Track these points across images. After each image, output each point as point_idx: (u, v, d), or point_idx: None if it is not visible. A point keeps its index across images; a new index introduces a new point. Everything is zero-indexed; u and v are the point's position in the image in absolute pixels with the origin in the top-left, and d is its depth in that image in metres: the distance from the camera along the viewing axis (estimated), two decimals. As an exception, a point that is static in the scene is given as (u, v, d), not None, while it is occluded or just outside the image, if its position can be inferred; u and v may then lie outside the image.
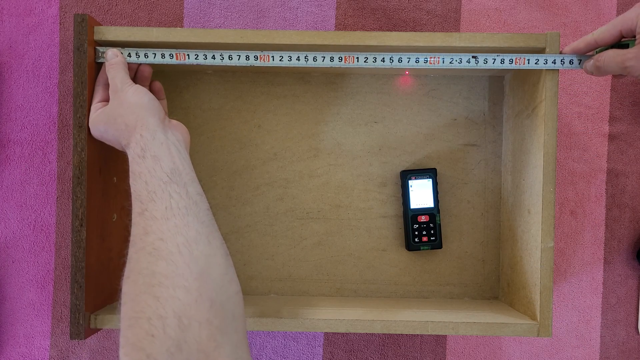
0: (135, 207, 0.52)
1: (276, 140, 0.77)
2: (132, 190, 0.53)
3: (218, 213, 0.77)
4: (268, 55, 0.64)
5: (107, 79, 0.63)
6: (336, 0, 0.78)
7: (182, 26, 0.78)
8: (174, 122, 0.61)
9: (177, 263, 0.46)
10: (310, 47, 0.64)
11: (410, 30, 0.78)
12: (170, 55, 0.64)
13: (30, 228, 0.78)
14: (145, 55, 0.64)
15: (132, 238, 0.50)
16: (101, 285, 0.67)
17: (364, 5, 0.78)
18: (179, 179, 0.53)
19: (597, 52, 0.61)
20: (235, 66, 0.74)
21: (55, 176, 0.78)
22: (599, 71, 0.60)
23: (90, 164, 0.63)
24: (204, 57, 0.64)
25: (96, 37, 0.63)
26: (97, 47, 0.64)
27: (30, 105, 0.78)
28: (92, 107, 0.63)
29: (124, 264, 0.68)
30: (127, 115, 0.58)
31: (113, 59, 0.63)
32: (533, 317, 0.65)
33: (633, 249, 0.78)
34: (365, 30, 0.78)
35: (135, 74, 0.66)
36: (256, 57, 0.64)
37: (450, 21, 0.78)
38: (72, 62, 0.77)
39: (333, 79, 0.77)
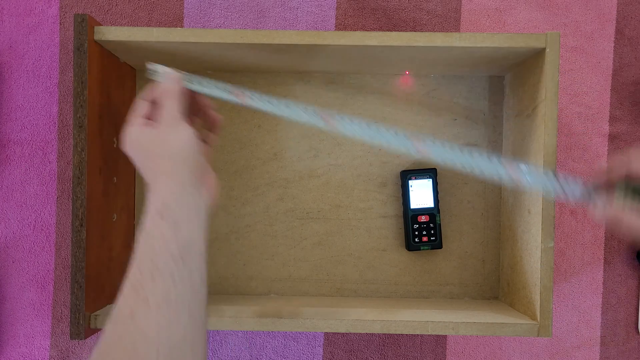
0: (132, 274, 0.46)
1: (276, 140, 0.77)
2: (136, 245, 0.48)
3: (218, 213, 0.77)
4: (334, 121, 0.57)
5: (157, 98, 0.55)
6: (336, 0, 0.78)
7: (182, 26, 0.78)
8: (210, 178, 0.54)
9: None
10: (310, 47, 0.64)
11: (410, 30, 0.78)
12: (228, 91, 0.58)
13: (30, 228, 0.78)
14: (200, 84, 0.58)
15: (117, 305, 0.45)
16: (101, 285, 0.67)
17: (364, 5, 0.78)
18: (189, 257, 0.49)
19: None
20: (235, 66, 0.74)
21: (55, 176, 0.78)
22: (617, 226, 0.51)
23: (90, 164, 0.63)
24: (264, 102, 0.59)
25: (96, 37, 0.63)
26: (150, 64, 0.57)
27: (30, 105, 0.78)
28: (133, 119, 0.54)
29: (124, 264, 0.68)
30: (163, 157, 0.51)
31: (172, 85, 0.55)
32: (533, 317, 0.65)
33: (633, 249, 0.78)
34: (365, 30, 0.78)
35: (191, 99, 0.59)
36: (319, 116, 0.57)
37: (450, 21, 0.78)
38: (72, 62, 0.77)
39: (333, 78, 0.77)
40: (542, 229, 0.63)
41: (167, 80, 0.56)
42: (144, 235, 0.48)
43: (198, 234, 0.50)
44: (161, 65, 0.57)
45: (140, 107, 0.55)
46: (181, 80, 0.56)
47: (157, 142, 0.52)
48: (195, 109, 0.60)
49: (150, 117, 0.55)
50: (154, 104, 0.56)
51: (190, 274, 0.48)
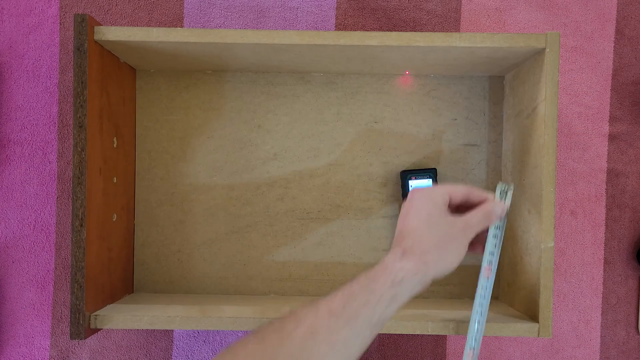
0: (335, 302, 0.50)
1: (276, 140, 0.77)
2: (358, 278, 0.51)
3: (218, 213, 0.77)
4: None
5: (474, 201, 0.58)
6: (336, 0, 0.78)
7: (182, 26, 0.78)
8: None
9: None
10: (310, 47, 0.64)
11: (410, 30, 0.78)
12: None
13: (30, 228, 0.78)
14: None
15: (295, 317, 0.49)
16: (101, 285, 0.67)
17: (364, 5, 0.78)
18: (376, 330, 0.51)
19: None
20: (235, 66, 0.74)
21: (55, 176, 0.78)
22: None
23: (90, 164, 0.63)
24: None
25: (96, 37, 0.63)
26: (504, 184, 0.60)
27: (30, 105, 0.78)
28: (444, 189, 0.56)
29: (124, 264, 0.68)
30: (432, 252, 0.53)
31: (499, 214, 0.58)
32: (533, 317, 0.65)
33: (633, 249, 0.78)
34: (365, 30, 0.78)
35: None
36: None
37: (450, 21, 0.78)
38: (72, 62, 0.77)
39: (333, 78, 0.77)
40: (542, 229, 0.63)
41: (499, 210, 0.58)
42: (368, 281, 0.51)
43: (390, 315, 0.52)
44: (511, 194, 0.60)
45: (459, 193, 0.57)
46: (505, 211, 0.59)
47: (443, 233, 0.54)
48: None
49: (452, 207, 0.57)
50: (466, 200, 0.58)
51: (363, 344, 0.50)
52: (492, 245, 0.59)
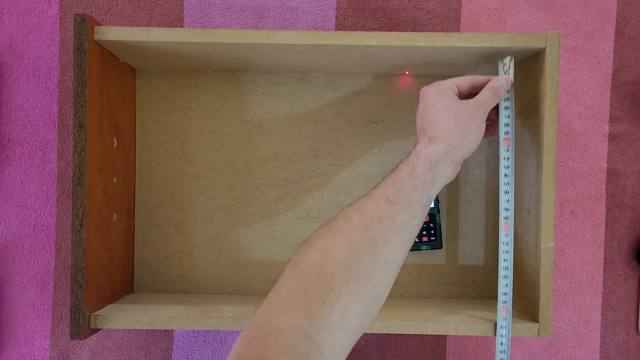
0: (389, 192, 0.53)
1: (276, 140, 0.77)
2: (398, 171, 0.55)
3: (218, 213, 0.77)
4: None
5: (481, 85, 0.62)
6: (336, 0, 0.78)
7: (182, 26, 0.78)
8: (456, 171, 0.62)
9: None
10: (310, 47, 0.64)
11: (410, 30, 0.78)
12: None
13: (30, 228, 0.78)
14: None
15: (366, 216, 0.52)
16: (101, 285, 0.67)
17: (364, 5, 0.78)
18: (425, 210, 0.55)
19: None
20: (235, 66, 0.74)
21: (55, 176, 0.78)
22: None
23: (90, 164, 0.63)
24: None
25: (96, 37, 0.63)
26: (504, 59, 0.64)
27: (30, 105, 0.78)
28: (451, 82, 0.61)
29: (124, 264, 0.68)
30: (454, 132, 0.57)
31: (505, 87, 0.62)
32: (533, 317, 0.65)
33: (633, 249, 0.78)
34: (365, 30, 0.78)
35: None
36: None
37: (450, 21, 0.78)
38: (72, 62, 0.77)
39: (333, 78, 0.77)
40: (542, 229, 0.63)
41: (504, 82, 0.62)
42: (410, 169, 0.55)
43: (434, 194, 0.57)
44: (512, 64, 0.64)
45: (464, 81, 0.62)
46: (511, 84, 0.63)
47: (460, 115, 0.58)
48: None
49: (464, 93, 0.62)
50: (477, 85, 0.62)
51: (419, 224, 0.55)
52: (505, 117, 0.63)
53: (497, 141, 0.77)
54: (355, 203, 0.54)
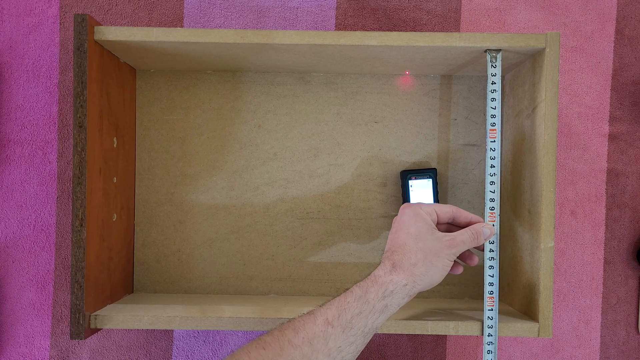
0: (332, 312, 0.53)
1: (276, 140, 0.77)
2: (354, 288, 0.55)
3: (218, 213, 0.77)
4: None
5: (461, 221, 0.61)
6: (336, 0, 0.78)
7: (182, 26, 0.78)
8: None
9: None
10: (310, 47, 0.64)
11: (410, 30, 0.78)
12: None
13: (30, 228, 0.78)
14: None
15: (293, 325, 0.52)
16: (101, 285, 0.67)
17: (364, 5, 0.78)
18: (367, 338, 0.55)
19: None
20: (235, 66, 0.74)
21: (55, 176, 0.78)
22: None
23: (90, 164, 0.63)
24: None
25: (96, 37, 0.63)
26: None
27: (30, 105, 0.78)
28: (432, 208, 0.59)
29: (124, 264, 0.68)
30: (419, 266, 0.56)
31: (487, 235, 0.61)
32: (533, 317, 0.65)
33: (633, 249, 0.78)
34: (365, 30, 0.78)
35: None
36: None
37: (450, 21, 0.78)
38: (72, 62, 0.77)
39: (333, 78, 0.77)
40: (542, 229, 0.63)
41: (488, 231, 0.61)
42: (362, 293, 0.54)
43: (381, 324, 0.55)
44: (499, 57, 0.63)
45: (446, 211, 0.60)
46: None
47: (430, 248, 0.56)
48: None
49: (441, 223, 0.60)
50: (453, 220, 0.61)
51: (355, 351, 0.54)
52: (492, 108, 0.63)
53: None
54: (296, 318, 0.53)
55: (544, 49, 0.63)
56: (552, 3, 0.78)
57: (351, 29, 0.78)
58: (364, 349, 0.78)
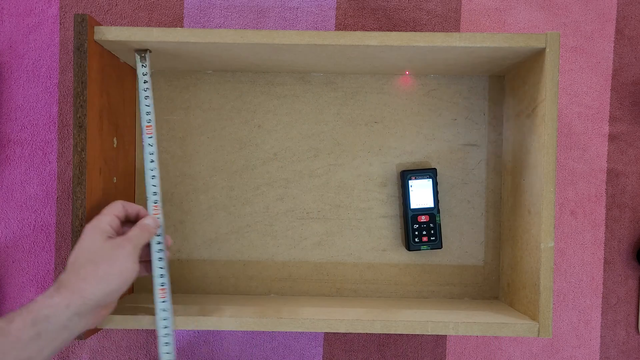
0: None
1: (276, 140, 0.77)
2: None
3: (218, 213, 0.77)
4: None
5: (130, 216, 0.61)
6: (336, 0, 0.78)
7: (182, 26, 0.78)
8: (106, 311, 0.58)
9: None
10: (310, 47, 0.64)
11: (410, 30, 0.78)
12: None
13: (30, 228, 0.78)
14: None
15: None
16: (101, 285, 0.67)
17: (364, 5, 0.78)
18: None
19: None
20: (235, 66, 0.74)
21: (55, 176, 0.78)
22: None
23: (90, 164, 0.63)
24: None
25: (96, 37, 0.63)
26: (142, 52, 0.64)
27: (30, 105, 0.78)
28: (106, 214, 0.58)
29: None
30: (88, 280, 0.54)
31: (153, 226, 0.61)
32: (533, 317, 0.65)
33: (633, 249, 0.78)
34: (365, 30, 0.78)
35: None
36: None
37: (450, 21, 0.78)
38: (72, 62, 0.77)
39: (333, 78, 0.77)
40: (542, 229, 0.63)
41: (152, 221, 0.61)
42: (4, 324, 0.50)
43: (50, 351, 0.53)
44: (148, 57, 0.66)
45: (116, 207, 0.60)
46: (159, 224, 0.62)
47: (101, 256, 0.55)
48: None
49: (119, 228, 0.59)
50: (127, 218, 0.61)
51: None
52: (146, 106, 0.65)
53: (497, 141, 0.77)
54: None
55: (544, 49, 0.63)
56: (552, 3, 0.78)
57: (351, 29, 0.78)
58: (364, 348, 0.78)
